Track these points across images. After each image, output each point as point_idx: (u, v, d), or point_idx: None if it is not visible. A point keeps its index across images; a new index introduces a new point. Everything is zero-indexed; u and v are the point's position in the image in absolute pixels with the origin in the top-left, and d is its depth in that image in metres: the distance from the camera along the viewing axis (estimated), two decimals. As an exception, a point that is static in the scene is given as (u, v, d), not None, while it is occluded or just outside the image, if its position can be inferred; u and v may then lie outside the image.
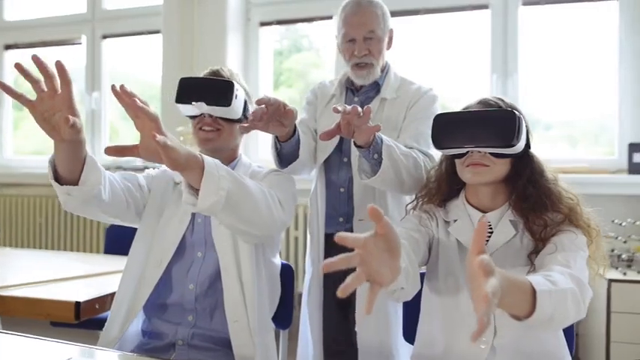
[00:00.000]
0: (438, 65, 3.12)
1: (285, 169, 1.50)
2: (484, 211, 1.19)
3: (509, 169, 1.16)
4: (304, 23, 3.42)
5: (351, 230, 1.63)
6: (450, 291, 1.17)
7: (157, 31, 3.52)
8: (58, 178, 1.17)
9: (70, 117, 1.02)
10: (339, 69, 3.21)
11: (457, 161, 1.20)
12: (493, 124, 1.12)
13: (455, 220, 1.22)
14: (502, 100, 1.20)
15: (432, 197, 1.27)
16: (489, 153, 1.14)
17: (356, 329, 1.63)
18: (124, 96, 0.98)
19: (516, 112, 1.12)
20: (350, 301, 1.68)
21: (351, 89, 1.72)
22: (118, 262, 2.07)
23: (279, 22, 3.40)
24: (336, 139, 1.64)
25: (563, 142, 3.02)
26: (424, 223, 1.23)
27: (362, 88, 1.69)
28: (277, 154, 1.49)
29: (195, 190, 1.09)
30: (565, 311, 0.89)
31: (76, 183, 1.16)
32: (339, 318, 1.68)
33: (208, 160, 1.08)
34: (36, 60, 1.01)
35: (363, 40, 1.60)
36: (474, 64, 3.05)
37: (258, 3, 3.39)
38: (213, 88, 1.38)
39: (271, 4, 3.38)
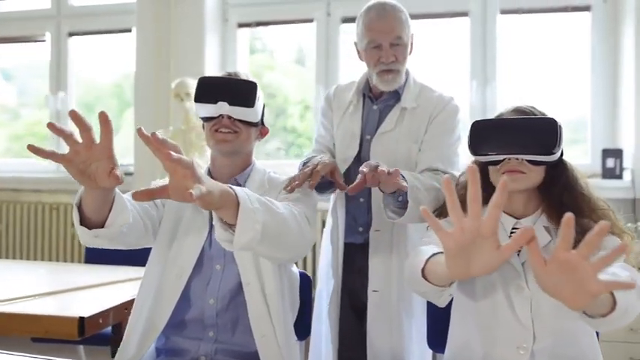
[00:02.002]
0: (418, 71, 3.14)
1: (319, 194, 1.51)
2: (516, 218, 1.20)
3: (543, 176, 1.18)
4: (283, 25, 3.38)
5: (367, 240, 1.61)
6: (487, 296, 1.17)
7: (129, 30, 3.40)
8: (82, 219, 1.12)
9: (117, 171, 0.98)
10: (321, 73, 3.20)
11: (492, 168, 1.20)
12: (535, 131, 1.13)
13: (487, 227, 1.21)
14: (535, 108, 1.22)
15: (462, 203, 1.26)
16: (526, 160, 1.15)
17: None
18: (156, 144, 0.90)
19: (557, 121, 1.14)
20: (365, 309, 1.66)
21: (369, 96, 1.68)
22: (104, 272, 1.96)
23: (258, 24, 3.35)
24: (354, 150, 1.62)
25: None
26: None
27: (381, 96, 1.65)
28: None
29: (228, 225, 1.04)
30: (633, 301, 0.92)
31: (102, 224, 1.12)
32: (354, 326, 1.67)
33: (241, 193, 1.03)
34: (74, 115, 0.95)
35: (389, 47, 1.56)
36: (454, 71, 3.10)
37: (236, 4, 3.32)
38: (236, 89, 1.33)
39: (249, 6, 3.32)
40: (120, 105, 3.74)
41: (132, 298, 1.57)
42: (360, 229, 1.64)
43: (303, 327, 1.49)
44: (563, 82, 3.02)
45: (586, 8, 2.91)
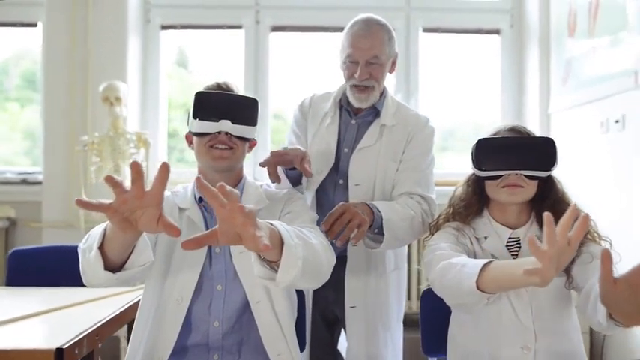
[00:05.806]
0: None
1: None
2: (510, 228, 1.31)
3: (536, 189, 1.30)
4: (210, 30, 3.29)
5: (341, 254, 1.60)
6: (493, 303, 1.26)
7: (34, 24, 3.10)
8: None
9: (172, 221, 0.94)
10: (249, 81, 3.16)
11: (490, 182, 1.30)
12: (537, 150, 1.25)
13: (486, 237, 1.31)
14: (525, 128, 1.34)
15: (460, 216, 1.35)
16: (524, 175, 1.26)
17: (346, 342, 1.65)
18: (224, 195, 0.87)
19: (554, 141, 1.27)
20: (336, 322, 1.70)
21: (347, 110, 1.68)
22: (39, 295, 1.75)
23: (183, 27, 3.23)
24: (330, 162, 1.62)
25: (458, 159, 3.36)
26: (460, 240, 1.31)
27: (360, 112, 1.66)
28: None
29: (266, 261, 1.03)
30: None
31: (120, 264, 1.08)
32: (325, 338, 1.69)
33: (282, 230, 1.02)
34: (135, 166, 0.91)
35: (365, 65, 1.56)
36: (381, 83, 3.24)
37: (159, 5, 3.17)
38: (239, 106, 1.29)
39: (173, 8, 3.19)
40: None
41: (99, 323, 1.44)
42: (333, 241, 1.65)
43: (299, 339, 1.47)
44: (476, 97, 3.30)
45: (496, 32, 3.22)
